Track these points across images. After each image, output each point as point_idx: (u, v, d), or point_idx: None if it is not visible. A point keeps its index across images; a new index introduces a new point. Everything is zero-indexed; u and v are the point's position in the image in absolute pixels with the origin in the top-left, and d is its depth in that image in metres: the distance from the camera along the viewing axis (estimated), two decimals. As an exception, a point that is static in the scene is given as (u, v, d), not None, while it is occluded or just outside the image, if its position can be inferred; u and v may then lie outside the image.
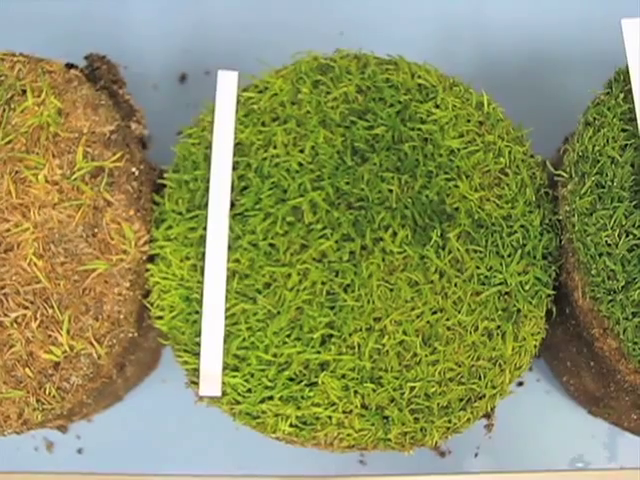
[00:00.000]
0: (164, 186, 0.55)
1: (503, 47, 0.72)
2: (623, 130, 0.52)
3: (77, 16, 0.73)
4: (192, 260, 0.53)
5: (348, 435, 0.52)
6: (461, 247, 0.53)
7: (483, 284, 0.52)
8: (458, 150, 0.54)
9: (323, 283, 0.52)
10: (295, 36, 0.72)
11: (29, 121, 0.53)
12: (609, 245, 0.50)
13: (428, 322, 0.52)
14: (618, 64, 0.54)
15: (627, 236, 0.50)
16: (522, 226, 0.53)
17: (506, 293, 0.53)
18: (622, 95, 0.53)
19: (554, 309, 0.54)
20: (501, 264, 0.53)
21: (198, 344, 0.52)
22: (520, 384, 0.67)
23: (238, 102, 0.55)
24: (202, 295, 0.52)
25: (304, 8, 0.74)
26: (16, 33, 0.72)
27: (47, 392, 0.51)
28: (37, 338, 0.51)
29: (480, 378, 0.52)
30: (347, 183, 0.53)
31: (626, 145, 0.52)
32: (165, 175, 0.55)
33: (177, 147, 0.56)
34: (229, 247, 0.53)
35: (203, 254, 0.53)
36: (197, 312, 0.53)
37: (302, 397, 0.52)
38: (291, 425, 0.52)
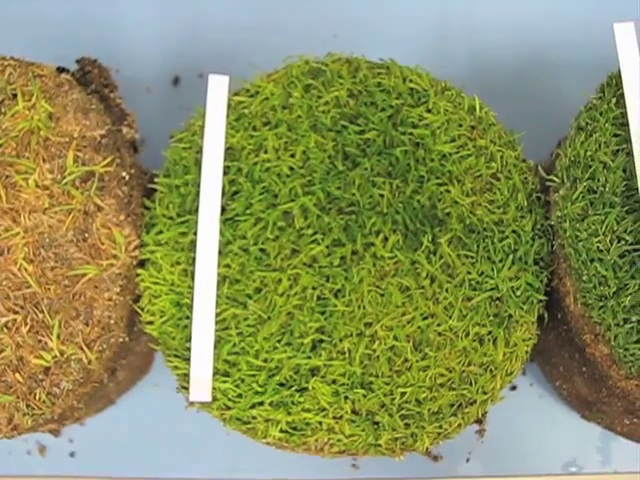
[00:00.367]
0: (155, 190, 0.55)
1: (497, 50, 0.72)
2: (615, 135, 0.52)
3: (71, 18, 0.72)
4: (183, 265, 0.53)
5: (338, 441, 0.52)
6: (452, 252, 0.52)
7: (474, 289, 0.52)
8: (450, 155, 0.54)
9: (314, 288, 0.52)
10: (289, 38, 0.72)
11: (19, 125, 0.53)
12: (600, 251, 0.50)
13: (419, 327, 0.52)
14: (613, 68, 0.54)
15: (619, 242, 0.50)
16: (514, 231, 0.53)
17: (497, 299, 0.53)
18: (614, 100, 0.53)
19: (546, 315, 0.54)
20: (492, 269, 0.52)
21: (188, 349, 0.52)
22: (513, 388, 0.67)
23: (229, 106, 0.55)
24: (193, 300, 0.52)
25: (298, 10, 0.74)
26: (7, 35, 0.72)
27: (37, 397, 0.51)
28: (27, 343, 0.51)
29: (471, 384, 0.52)
30: (338, 188, 0.53)
31: (618, 150, 0.52)
32: (156, 179, 0.55)
33: (168, 151, 0.55)
34: (220, 252, 0.53)
35: (194, 259, 0.53)
36: (188, 317, 0.53)
37: (292, 402, 0.51)
38: (281, 431, 0.52)
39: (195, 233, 0.53)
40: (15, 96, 0.54)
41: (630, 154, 0.51)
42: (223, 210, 0.54)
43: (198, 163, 0.54)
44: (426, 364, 0.52)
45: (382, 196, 0.53)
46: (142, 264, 0.54)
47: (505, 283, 0.52)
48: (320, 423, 0.52)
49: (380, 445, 0.52)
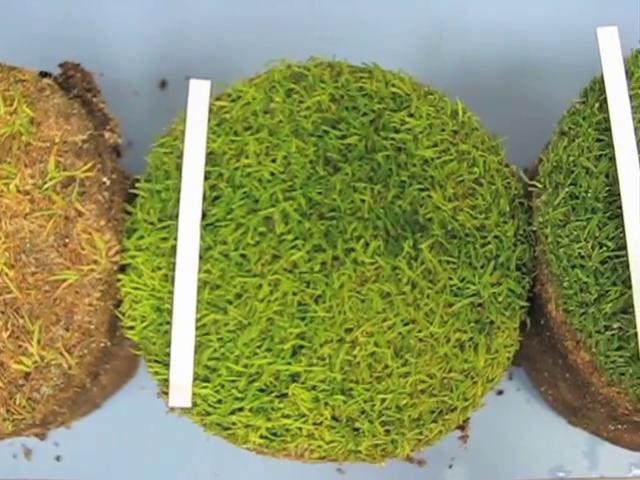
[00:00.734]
0: (137, 195, 0.55)
1: (486, 54, 0.71)
2: (598, 140, 0.52)
3: (57, 21, 0.72)
4: (164, 270, 0.53)
5: (318, 447, 0.52)
6: (434, 258, 0.52)
7: (456, 295, 0.52)
8: (432, 160, 0.54)
9: (294, 294, 0.52)
10: (277, 40, 0.72)
11: (1, 130, 0.53)
12: (582, 257, 0.50)
13: (400, 333, 0.52)
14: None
15: (600, 248, 0.50)
16: (496, 237, 0.53)
17: (479, 304, 0.52)
18: (597, 104, 0.52)
19: (528, 320, 0.54)
20: (474, 275, 0.52)
21: (169, 355, 0.52)
22: (500, 393, 0.67)
23: (211, 111, 0.55)
24: (173, 305, 0.52)
25: (286, 12, 0.73)
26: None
27: (17, 402, 0.51)
28: (7, 348, 0.51)
29: (452, 390, 0.52)
30: (319, 193, 0.53)
31: (601, 155, 0.51)
32: (137, 184, 0.55)
33: (150, 156, 0.55)
34: (200, 257, 0.53)
35: (175, 264, 0.53)
36: (168, 322, 0.53)
37: (272, 408, 0.51)
38: (261, 436, 0.52)
39: (176, 238, 0.53)
40: (-4, 101, 0.54)
41: (613, 159, 0.51)
42: (204, 215, 0.53)
43: (179, 168, 0.54)
44: (407, 370, 0.51)
45: (363, 201, 0.53)
46: (123, 269, 0.54)
47: (487, 289, 0.52)
48: (300, 429, 0.51)
49: (360, 451, 0.52)
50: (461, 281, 0.52)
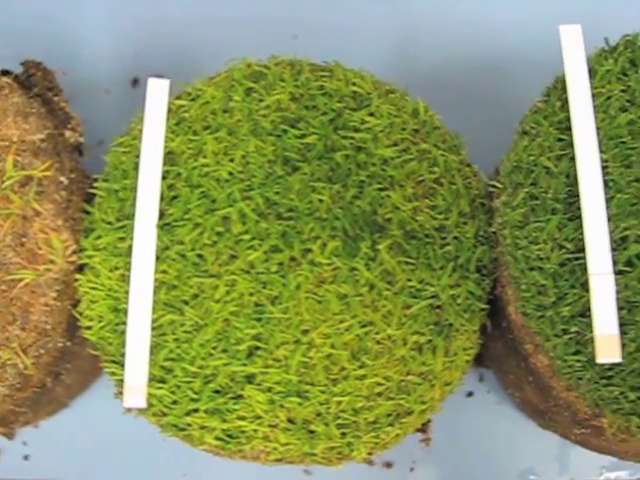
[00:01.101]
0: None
1: (456, 56, 0.71)
2: (559, 139, 0.51)
3: (27, 18, 0.72)
4: (121, 270, 0.53)
5: (274, 449, 0.51)
6: (392, 259, 0.51)
7: (414, 297, 0.51)
8: (392, 159, 0.53)
9: (251, 294, 0.51)
10: (249, 39, 0.71)
11: (-41, 129, 0.53)
12: (541, 259, 0.49)
13: (357, 336, 0.51)
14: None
15: (560, 249, 0.49)
16: (455, 238, 0.52)
17: (437, 307, 0.52)
18: (559, 103, 0.51)
19: (489, 323, 0.53)
20: (433, 277, 0.51)
21: (125, 355, 0.52)
22: (470, 395, 0.66)
23: (170, 110, 0.55)
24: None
25: (259, 10, 0.73)
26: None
27: (-27, 402, 0.51)
28: (-36, 348, 0.51)
29: (409, 393, 0.51)
30: (277, 193, 0.53)
31: (562, 155, 0.51)
32: (96, 184, 0.55)
33: (108, 156, 0.55)
34: (157, 257, 0.52)
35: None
36: (125, 323, 0.52)
37: (227, 410, 0.51)
38: (217, 438, 0.51)
39: (133, 238, 0.52)
40: (-45, 100, 0.53)
41: (573, 159, 0.50)
42: (162, 215, 0.53)
43: (137, 168, 0.54)
44: (363, 373, 0.51)
45: (321, 201, 0.52)
46: (81, 269, 0.54)
47: (445, 291, 0.51)
48: (255, 431, 0.51)
49: (316, 454, 0.51)
50: (420, 282, 0.51)
